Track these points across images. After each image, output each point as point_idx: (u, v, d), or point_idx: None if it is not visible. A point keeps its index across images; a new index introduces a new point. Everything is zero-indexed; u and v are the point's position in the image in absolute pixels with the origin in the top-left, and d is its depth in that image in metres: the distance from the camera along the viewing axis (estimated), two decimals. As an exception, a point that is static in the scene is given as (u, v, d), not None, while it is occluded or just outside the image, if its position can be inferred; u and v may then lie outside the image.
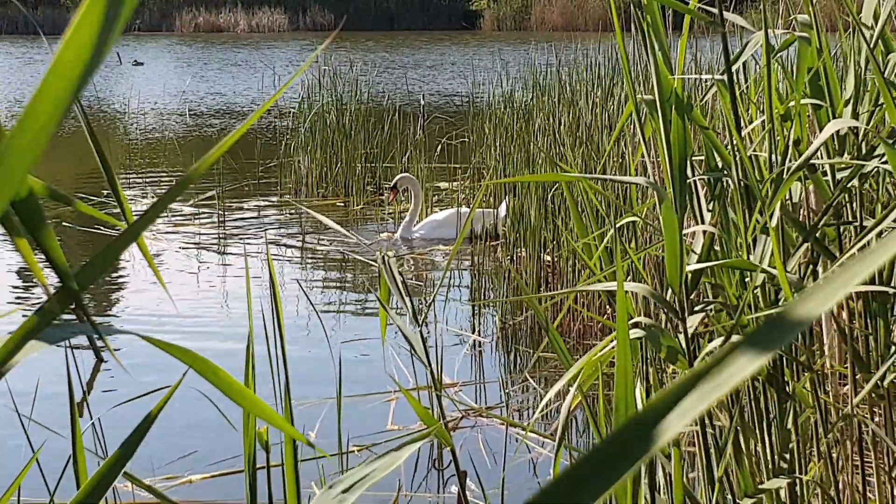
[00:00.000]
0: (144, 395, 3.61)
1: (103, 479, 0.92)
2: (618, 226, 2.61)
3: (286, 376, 1.46)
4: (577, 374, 2.15)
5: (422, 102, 13.57)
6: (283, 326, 1.54)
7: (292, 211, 10.34)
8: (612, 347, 2.23)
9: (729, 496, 2.37)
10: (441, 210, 9.43)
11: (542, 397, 5.41)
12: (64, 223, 9.82)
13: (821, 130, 2.41)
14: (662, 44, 2.28)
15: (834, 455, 2.83)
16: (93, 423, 3.48)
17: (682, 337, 2.18)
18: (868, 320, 2.63)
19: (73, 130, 17.42)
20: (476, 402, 5.41)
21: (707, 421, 2.34)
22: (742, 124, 2.75)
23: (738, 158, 2.36)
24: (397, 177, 9.30)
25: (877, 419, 2.84)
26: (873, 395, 2.60)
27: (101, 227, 9.55)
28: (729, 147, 2.40)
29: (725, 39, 2.40)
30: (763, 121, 2.62)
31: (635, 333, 2.10)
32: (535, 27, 46.21)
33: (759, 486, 2.31)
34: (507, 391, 5.64)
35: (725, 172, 2.38)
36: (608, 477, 0.47)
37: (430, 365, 1.98)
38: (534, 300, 2.33)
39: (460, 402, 5.33)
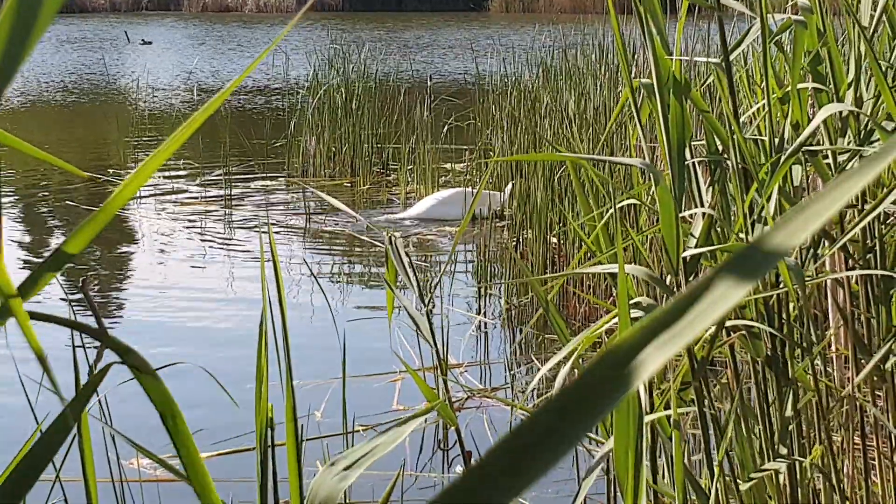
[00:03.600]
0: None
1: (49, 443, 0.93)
2: (619, 206, 2.62)
3: (287, 356, 1.46)
4: (574, 351, 2.16)
5: (429, 84, 13.56)
6: (285, 307, 1.54)
7: (299, 191, 10.36)
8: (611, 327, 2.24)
9: (732, 479, 2.38)
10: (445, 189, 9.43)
11: (546, 378, 5.42)
12: (68, 202, 9.83)
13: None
14: (659, 26, 2.28)
15: (839, 439, 2.83)
16: (98, 400, 3.49)
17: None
18: (870, 304, 2.63)
19: (83, 108, 17.42)
20: (481, 383, 5.42)
21: (709, 404, 2.35)
22: (748, 107, 2.74)
23: (735, 142, 2.36)
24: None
25: (881, 404, 2.85)
26: (875, 378, 2.61)
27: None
28: (728, 131, 2.40)
29: (722, 24, 2.40)
30: (762, 104, 2.62)
31: (634, 314, 2.11)
32: (543, 9, 46.08)
33: (759, 468, 2.32)
34: (512, 372, 5.65)
35: (725, 156, 2.38)
36: (572, 429, 0.46)
37: (435, 345, 1.99)
38: (536, 282, 2.33)
39: (465, 384, 5.34)
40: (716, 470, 2.25)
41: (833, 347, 3.17)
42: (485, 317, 6.50)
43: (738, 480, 2.26)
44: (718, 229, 2.44)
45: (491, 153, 9.42)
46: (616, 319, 2.16)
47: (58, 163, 0.96)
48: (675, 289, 2.21)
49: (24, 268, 7.67)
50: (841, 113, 2.50)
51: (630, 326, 1.31)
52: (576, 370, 2.19)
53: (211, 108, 0.80)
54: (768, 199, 2.29)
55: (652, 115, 2.58)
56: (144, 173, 0.81)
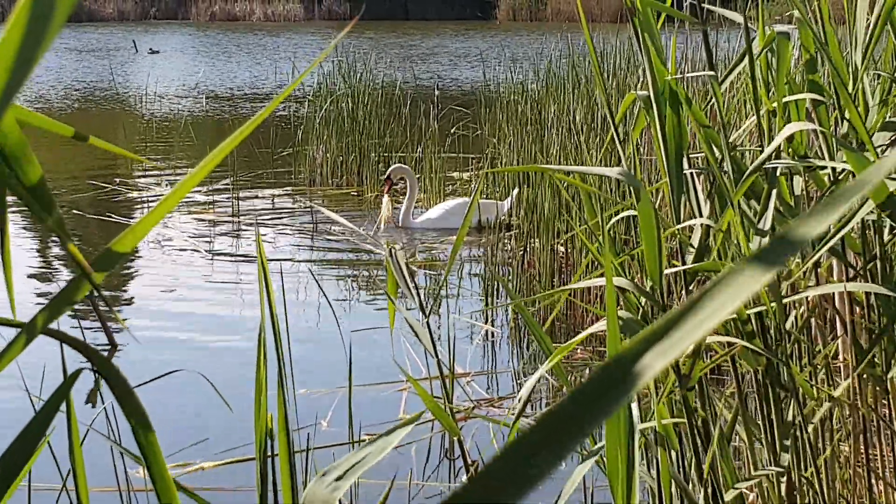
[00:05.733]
0: (152, 379, 3.63)
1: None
2: (625, 215, 2.62)
3: (279, 362, 1.47)
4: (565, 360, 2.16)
5: (436, 92, 13.57)
6: (276, 314, 1.54)
7: (306, 199, 10.37)
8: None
9: (721, 488, 2.37)
10: (452, 199, 9.44)
11: (553, 388, 5.42)
12: (74, 210, 9.85)
13: (820, 123, 2.40)
14: (655, 39, 2.29)
15: (847, 448, 2.82)
16: (104, 409, 3.50)
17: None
18: (871, 314, 2.63)
19: (91, 115, 17.46)
20: (488, 393, 5.42)
21: (699, 414, 2.34)
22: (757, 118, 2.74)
23: (726, 153, 2.36)
24: (392, 167, 9.28)
25: (885, 412, 2.84)
26: (878, 388, 2.60)
27: (113, 216, 9.57)
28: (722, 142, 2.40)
29: (707, 39, 2.41)
30: (752, 119, 2.62)
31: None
32: (550, 18, 46.13)
33: (748, 476, 2.32)
34: (519, 381, 5.65)
35: (721, 167, 2.38)
36: (579, 429, 0.48)
37: (437, 356, 1.99)
38: (543, 294, 2.33)
39: (472, 393, 5.35)
40: (705, 475, 2.25)
41: (842, 357, 3.16)
42: (492, 326, 6.50)
43: (722, 491, 2.26)
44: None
45: (497, 162, 9.43)
46: (586, 332, 2.18)
47: (112, 148, 0.97)
48: (661, 300, 2.21)
49: (31, 277, 7.69)
50: (839, 120, 2.50)
51: (617, 337, 1.32)
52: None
53: (258, 120, 0.81)
54: (762, 209, 2.29)
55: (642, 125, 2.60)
56: (180, 193, 0.81)
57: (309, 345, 5.95)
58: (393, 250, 2.06)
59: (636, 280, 2.43)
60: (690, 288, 2.33)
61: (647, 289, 2.24)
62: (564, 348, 2.14)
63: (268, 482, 1.37)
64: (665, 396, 2.26)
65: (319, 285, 5.39)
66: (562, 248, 7.46)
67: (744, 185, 2.24)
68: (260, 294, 1.40)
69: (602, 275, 2.82)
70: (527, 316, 2.11)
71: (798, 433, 2.38)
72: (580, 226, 6.60)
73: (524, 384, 5.57)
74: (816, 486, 2.55)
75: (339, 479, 1.20)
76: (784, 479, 2.38)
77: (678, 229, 2.33)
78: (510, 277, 7.48)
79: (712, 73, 2.35)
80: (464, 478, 4.52)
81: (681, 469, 2.33)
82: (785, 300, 2.35)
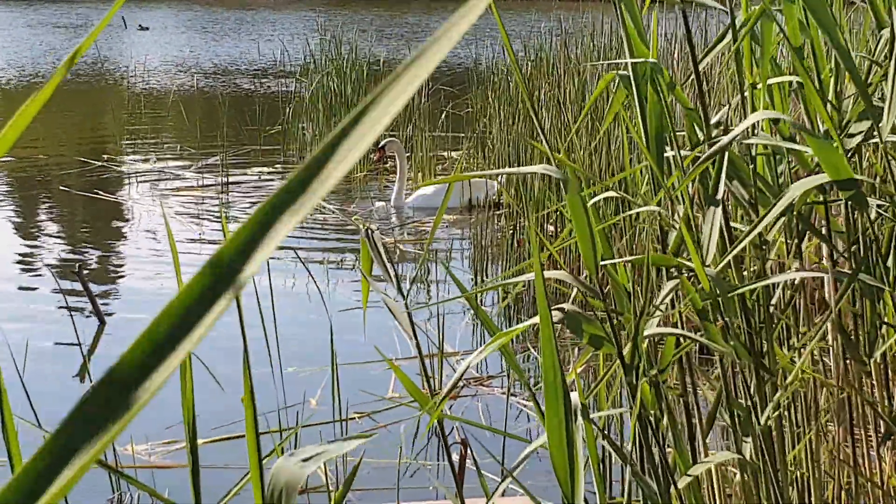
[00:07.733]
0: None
1: None
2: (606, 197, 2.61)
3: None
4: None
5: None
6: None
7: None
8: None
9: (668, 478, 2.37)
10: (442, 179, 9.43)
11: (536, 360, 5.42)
12: (61, 187, 9.82)
13: (806, 106, 2.39)
14: (636, 18, 2.28)
15: (832, 428, 2.83)
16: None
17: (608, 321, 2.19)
18: (856, 297, 2.63)
19: (79, 91, 17.40)
20: (477, 371, 5.43)
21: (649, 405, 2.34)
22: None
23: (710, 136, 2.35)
24: (385, 139, 9.29)
25: (867, 391, 2.84)
26: (862, 373, 2.61)
27: (101, 192, 9.54)
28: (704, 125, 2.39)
29: (686, 19, 2.40)
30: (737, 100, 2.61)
31: (557, 316, 2.13)
32: (542, -4, 45.98)
33: (701, 461, 2.32)
34: (508, 360, 5.66)
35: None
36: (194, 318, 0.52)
37: (415, 337, 1.99)
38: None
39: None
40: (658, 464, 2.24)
41: (829, 339, 3.16)
42: (482, 305, 6.50)
43: (674, 479, 2.25)
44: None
45: (488, 141, 9.42)
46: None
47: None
48: (599, 292, 2.21)
49: (18, 252, 7.67)
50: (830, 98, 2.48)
51: (551, 331, 1.32)
52: (580, 365, 2.19)
53: (40, 98, 0.80)
54: (713, 190, 2.29)
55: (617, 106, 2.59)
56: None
57: (297, 324, 5.95)
58: (369, 230, 2.06)
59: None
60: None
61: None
62: (505, 333, 2.15)
63: (198, 459, 1.37)
64: (602, 385, 2.26)
65: (305, 266, 5.38)
66: (551, 227, 7.46)
67: (694, 172, 2.24)
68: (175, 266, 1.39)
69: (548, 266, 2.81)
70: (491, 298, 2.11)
71: (761, 415, 2.38)
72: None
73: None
74: (797, 469, 2.55)
75: (305, 460, 1.21)
76: (769, 459, 2.38)
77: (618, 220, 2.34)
78: (500, 256, 7.48)
79: (654, 60, 2.33)
80: (455, 456, 4.52)
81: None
82: (753, 286, 2.34)
